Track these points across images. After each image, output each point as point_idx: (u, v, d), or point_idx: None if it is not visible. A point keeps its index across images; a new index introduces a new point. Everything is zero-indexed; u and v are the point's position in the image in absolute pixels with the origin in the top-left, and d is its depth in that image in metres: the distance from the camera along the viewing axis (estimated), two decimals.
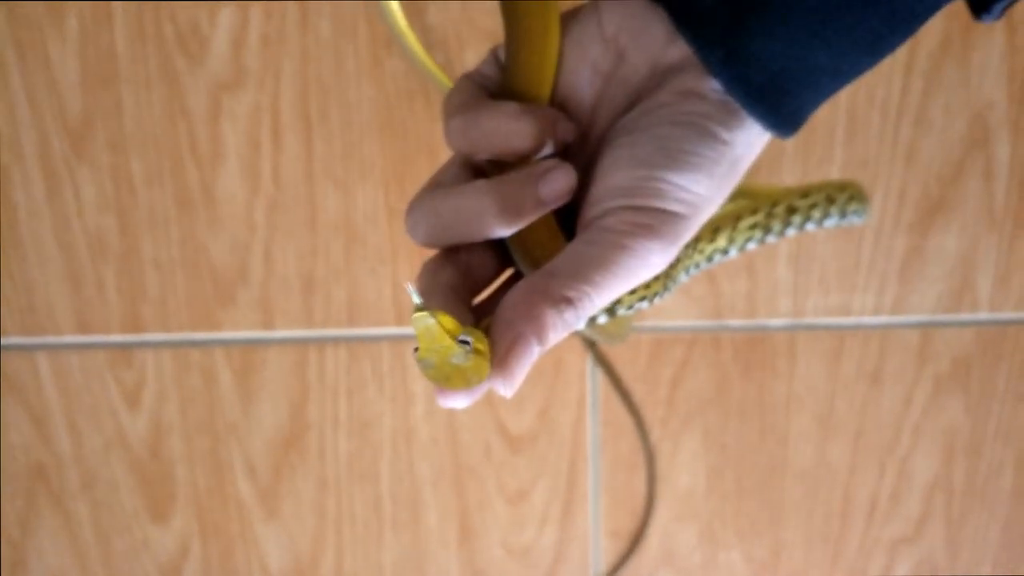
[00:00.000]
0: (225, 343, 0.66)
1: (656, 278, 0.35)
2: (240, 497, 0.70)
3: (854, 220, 0.40)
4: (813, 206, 0.39)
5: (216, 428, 0.68)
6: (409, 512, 0.71)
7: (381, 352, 0.67)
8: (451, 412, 0.68)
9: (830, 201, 0.39)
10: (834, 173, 0.64)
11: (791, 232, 0.39)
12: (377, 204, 0.63)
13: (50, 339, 0.66)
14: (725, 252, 0.38)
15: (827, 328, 0.67)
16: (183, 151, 0.62)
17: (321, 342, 0.66)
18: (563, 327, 0.30)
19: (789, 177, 0.64)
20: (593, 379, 0.68)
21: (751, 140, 0.31)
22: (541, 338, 0.29)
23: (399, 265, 0.65)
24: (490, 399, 0.68)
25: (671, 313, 0.66)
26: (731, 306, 0.66)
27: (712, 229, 0.38)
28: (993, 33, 0.60)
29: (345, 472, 0.70)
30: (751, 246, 0.38)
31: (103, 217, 0.63)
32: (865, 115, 0.62)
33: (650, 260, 0.30)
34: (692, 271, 0.38)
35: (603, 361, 0.67)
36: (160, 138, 0.62)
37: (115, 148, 0.62)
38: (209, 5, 0.59)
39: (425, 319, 0.27)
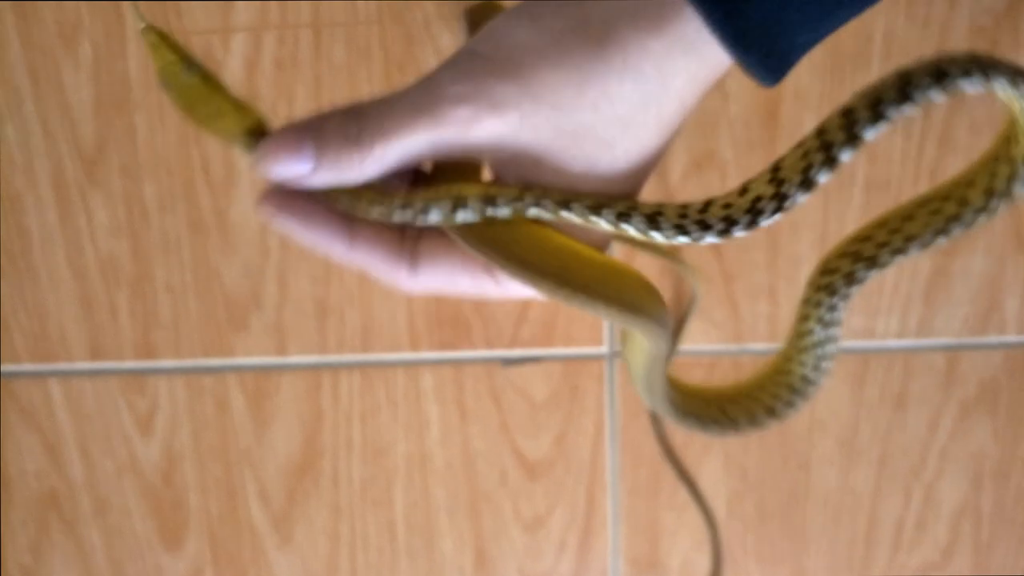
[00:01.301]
0: (238, 369, 0.66)
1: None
2: (253, 523, 0.69)
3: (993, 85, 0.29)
4: (881, 90, 0.29)
5: (229, 454, 0.68)
6: (424, 539, 0.70)
7: (395, 377, 0.66)
8: (466, 438, 0.67)
9: (906, 77, 0.29)
10: (856, 194, 0.63)
11: (868, 131, 0.29)
12: None
13: (62, 365, 0.66)
14: (781, 196, 0.30)
15: (851, 351, 0.66)
16: (196, 176, 0.62)
17: (335, 367, 0.66)
18: (344, 159, 0.30)
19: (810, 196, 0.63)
20: (611, 405, 0.67)
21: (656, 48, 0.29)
22: (318, 135, 0.30)
23: None
24: (505, 425, 0.67)
25: (691, 337, 0.65)
26: (752, 330, 0.65)
27: (740, 187, 0.31)
28: (1019, 51, 0.59)
29: (359, 498, 0.69)
30: (821, 176, 0.30)
31: (116, 242, 0.63)
32: (888, 135, 0.61)
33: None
34: (735, 225, 0.31)
35: (659, 431, 0.66)
36: (173, 163, 0.61)
37: (128, 173, 0.62)
38: (222, 31, 0.59)
39: (148, 33, 0.31)
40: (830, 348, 0.36)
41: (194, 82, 0.31)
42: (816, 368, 0.36)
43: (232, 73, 0.59)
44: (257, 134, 0.32)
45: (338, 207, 0.32)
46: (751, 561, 0.71)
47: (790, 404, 0.37)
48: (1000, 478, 0.69)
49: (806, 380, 0.36)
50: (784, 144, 0.62)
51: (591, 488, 0.69)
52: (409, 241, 0.32)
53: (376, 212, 0.32)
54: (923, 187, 0.62)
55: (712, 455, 0.68)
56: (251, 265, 0.63)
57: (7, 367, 0.66)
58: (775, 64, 0.30)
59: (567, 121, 0.30)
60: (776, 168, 0.31)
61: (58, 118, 0.60)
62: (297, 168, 0.30)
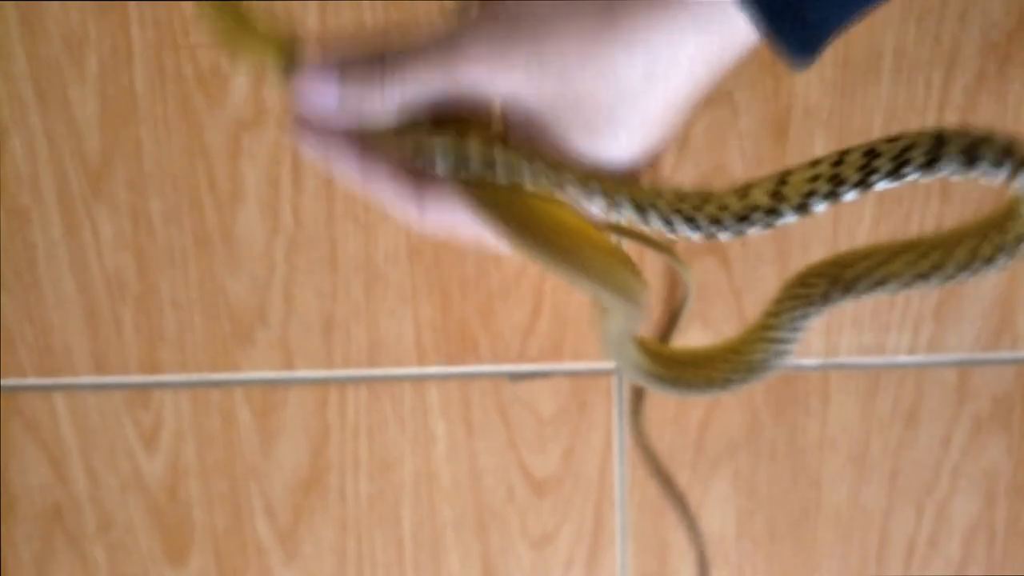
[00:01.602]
0: (244, 383, 0.65)
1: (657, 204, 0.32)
2: (259, 539, 0.69)
3: (990, 173, 0.29)
4: (910, 147, 0.29)
5: (235, 469, 0.67)
6: (431, 556, 0.69)
7: (402, 392, 0.66)
8: (474, 454, 0.67)
9: (940, 143, 0.29)
10: (867, 210, 0.62)
11: (880, 183, 0.29)
12: (398, 243, 0.62)
13: (67, 379, 0.65)
14: (774, 212, 0.30)
15: (861, 367, 0.66)
16: (202, 190, 0.61)
17: (342, 382, 0.65)
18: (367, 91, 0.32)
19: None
20: (619, 421, 0.66)
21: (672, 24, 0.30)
22: (343, 76, 0.32)
23: (420, 304, 0.64)
24: (513, 441, 0.66)
25: None
26: None
27: (743, 187, 0.31)
28: None
29: (365, 514, 0.68)
30: (818, 206, 0.30)
31: (121, 256, 0.63)
32: None
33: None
34: (722, 229, 0.31)
35: (642, 441, 0.66)
36: (179, 177, 0.61)
37: (134, 187, 0.61)
38: None
39: None
40: (790, 346, 0.37)
41: (229, 17, 0.33)
42: (776, 356, 0.37)
43: (238, 87, 0.59)
44: (290, 63, 0.33)
45: (360, 139, 0.34)
46: None
47: (744, 381, 0.39)
48: (1013, 494, 0.69)
49: (764, 365, 0.38)
50: (793, 160, 0.61)
51: (599, 505, 0.68)
52: (423, 181, 0.34)
53: (392, 150, 0.33)
54: (934, 204, 0.62)
55: (721, 473, 0.68)
56: (257, 280, 0.63)
57: (12, 381, 0.66)
58: (805, 41, 0.30)
59: (571, 88, 0.31)
60: (781, 182, 0.31)
61: (64, 131, 0.60)
62: (321, 106, 0.32)
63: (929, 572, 0.71)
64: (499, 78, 0.31)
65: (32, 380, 0.65)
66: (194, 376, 0.65)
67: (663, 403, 0.66)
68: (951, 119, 0.60)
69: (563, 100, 0.31)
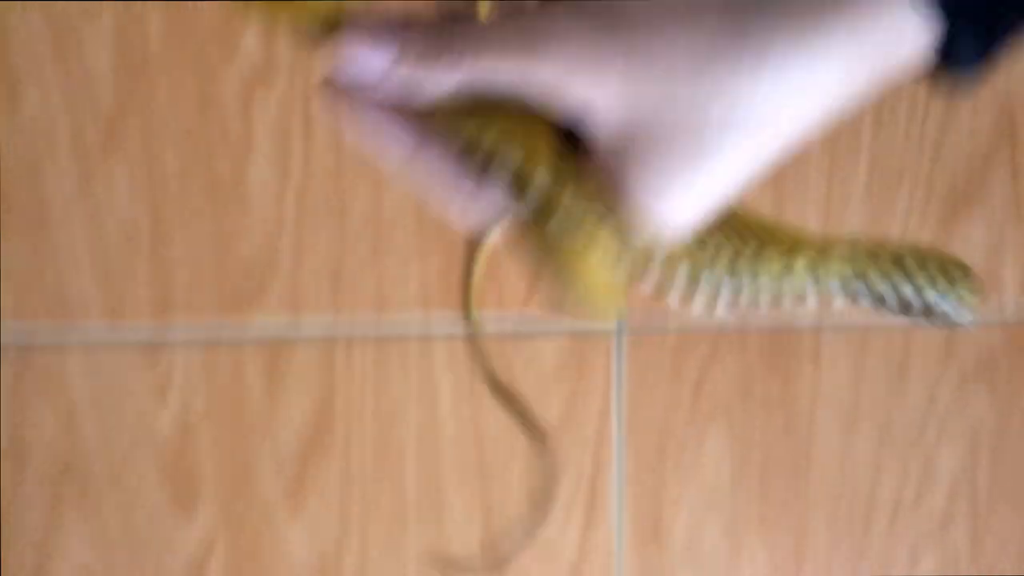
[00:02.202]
0: (254, 338, 0.66)
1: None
2: (266, 493, 0.69)
3: (959, 312, 0.30)
4: (922, 268, 0.29)
5: (243, 424, 0.68)
6: (433, 507, 0.70)
7: (408, 347, 0.66)
8: (478, 408, 0.68)
9: (944, 271, 0.29)
10: (861, 170, 0.64)
11: (886, 295, 0.29)
12: (407, 195, 0.63)
13: (79, 334, 0.65)
14: (801, 286, 0.29)
15: (852, 326, 0.67)
16: (215, 142, 0.62)
17: (349, 337, 0.66)
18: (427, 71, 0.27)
19: (815, 173, 0.64)
20: (618, 374, 0.67)
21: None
22: (402, 49, 0.27)
23: (429, 257, 0.65)
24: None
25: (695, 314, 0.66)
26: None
27: (787, 246, 0.29)
28: None
29: (370, 468, 0.69)
30: (835, 290, 0.29)
31: (135, 208, 0.63)
32: (891, 110, 0.62)
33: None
34: (745, 289, 0.29)
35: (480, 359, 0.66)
36: (192, 129, 0.62)
37: (147, 139, 0.62)
38: None
39: None
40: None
41: None
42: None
43: (250, 39, 0.60)
44: (332, 25, 0.28)
45: (409, 113, 0.28)
46: (754, 530, 0.72)
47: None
48: (996, 449, 0.70)
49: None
50: (788, 163, 0.63)
51: (597, 458, 0.69)
52: (476, 175, 0.29)
53: (443, 131, 0.28)
54: (925, 162, 0.63)
55: (716, 426, 0.69)
56: (268, 232, 0.63)
57: (24, 337, 0.66)
58: (983, 40, 0.25)
59: (673, 108, 0.25)
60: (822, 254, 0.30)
61: (78, 84, 0.60)
62: (372, 65, 0.27)
63: (914, 523, 0.72)
64: (586, 86, 0.25)
65: (43, 335, 0.66)
66: (204, 331, 0.66)
67: (660, 360, 0.67)
68: (938, 111, 0.62)
69: (659, 122, 0.25)
